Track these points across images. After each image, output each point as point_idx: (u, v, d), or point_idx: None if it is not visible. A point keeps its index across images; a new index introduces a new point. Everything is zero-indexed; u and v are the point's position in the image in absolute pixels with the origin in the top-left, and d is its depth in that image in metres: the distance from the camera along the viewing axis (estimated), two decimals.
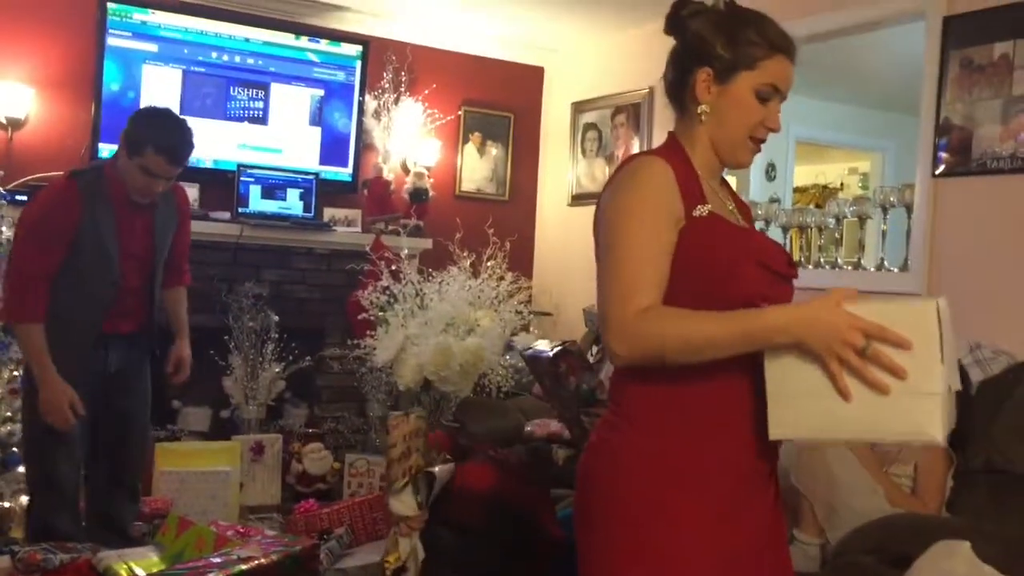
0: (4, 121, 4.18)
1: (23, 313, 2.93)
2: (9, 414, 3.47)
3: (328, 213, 4.82)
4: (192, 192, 4.44)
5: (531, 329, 4.76)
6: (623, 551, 1.52)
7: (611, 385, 1.65)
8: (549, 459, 3.57)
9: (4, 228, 3.57)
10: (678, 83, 1.63)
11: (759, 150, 1.63)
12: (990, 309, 3.24)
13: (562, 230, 5.36)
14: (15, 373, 3.56)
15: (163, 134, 2.93)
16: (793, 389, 1.40)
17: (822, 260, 3.98)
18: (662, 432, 1.53)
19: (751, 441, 1.53)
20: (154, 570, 2.78)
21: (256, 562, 2.71)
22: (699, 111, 1.59)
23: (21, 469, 3.47)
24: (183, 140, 2.98)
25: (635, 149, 4.96)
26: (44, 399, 2.90)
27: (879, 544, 2.47)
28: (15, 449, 3.46)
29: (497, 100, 5.45)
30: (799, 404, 1.40)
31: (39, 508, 3.05)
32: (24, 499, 3.40)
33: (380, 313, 4.25)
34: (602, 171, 5.15)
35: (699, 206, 1.53)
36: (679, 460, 1.52)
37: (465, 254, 4.30)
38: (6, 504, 3.33)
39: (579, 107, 5.37)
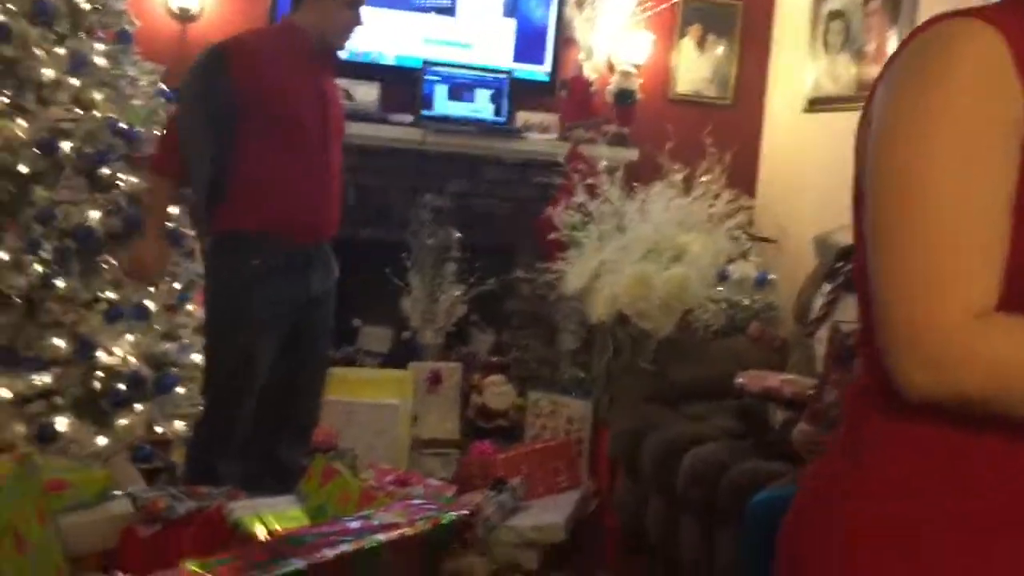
0: (177, 11, 3.91)
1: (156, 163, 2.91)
2: (166, 331, 3.25)
3: (521, 118, 4.33)
4: (372, 92, 4.12)
5: (749, 257, 4.12)
6: None
7: (847, 402, 1.07)
8: (764, 422, 2.96)
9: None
10: None
11: None
12: None
13: (794, 141, 4.64)
14: (175, 285, 3.33)
15: None
16: None
17: None
18: (919, 495, 0.94)
19: None
20: (294, 524, 2.49)
21: (399, 532, 2.32)
22: None
23: (180, 390, 3.26)
24: None
25: (891, 44, 4.09)
26: (135, 254, 2.90)
27: None
28: (175, 369, 3.23)
29: None
30: None
31: (206, 446, 2.86)
32: (179, 424, 3.19)
33: (573, 233, 3.82)
34: (847, 71, 4.34)
35: None
36: (943, 544, 0.92)
37: (676, 167, 3.78)
38: (159, 429, 3.10)
39: None
